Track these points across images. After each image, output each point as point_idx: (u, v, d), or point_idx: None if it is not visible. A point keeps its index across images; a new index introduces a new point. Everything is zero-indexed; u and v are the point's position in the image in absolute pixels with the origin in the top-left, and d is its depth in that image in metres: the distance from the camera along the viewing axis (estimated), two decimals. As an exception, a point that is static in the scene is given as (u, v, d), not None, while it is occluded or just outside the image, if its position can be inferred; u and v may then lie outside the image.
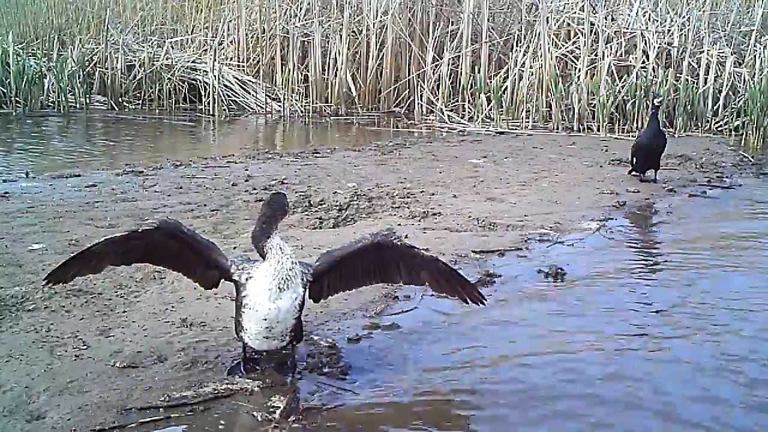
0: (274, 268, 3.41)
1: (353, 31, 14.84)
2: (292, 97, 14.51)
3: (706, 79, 13.26)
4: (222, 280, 3.71)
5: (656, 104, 8.87)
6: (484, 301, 3.84)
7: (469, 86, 13.97)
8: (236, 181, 7.89)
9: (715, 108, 13.14)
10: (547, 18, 13.76)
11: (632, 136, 11.37)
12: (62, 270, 3.53)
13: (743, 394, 3.68)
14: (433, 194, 7.68)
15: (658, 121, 8.88)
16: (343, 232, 6.13)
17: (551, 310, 4.77)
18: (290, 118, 14.20)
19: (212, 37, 15.25)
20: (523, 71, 13.56)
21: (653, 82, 12.97)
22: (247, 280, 3.48)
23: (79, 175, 8.05)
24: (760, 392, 3.70)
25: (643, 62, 13.50)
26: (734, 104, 13.21)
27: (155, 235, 3.52)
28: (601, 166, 9.70)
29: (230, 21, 15.37)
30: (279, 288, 3.41)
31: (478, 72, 13.82)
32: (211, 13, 15.89)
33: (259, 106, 14.53)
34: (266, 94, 14.65)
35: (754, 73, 13.11)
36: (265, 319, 3.46)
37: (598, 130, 12.71)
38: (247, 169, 8.60)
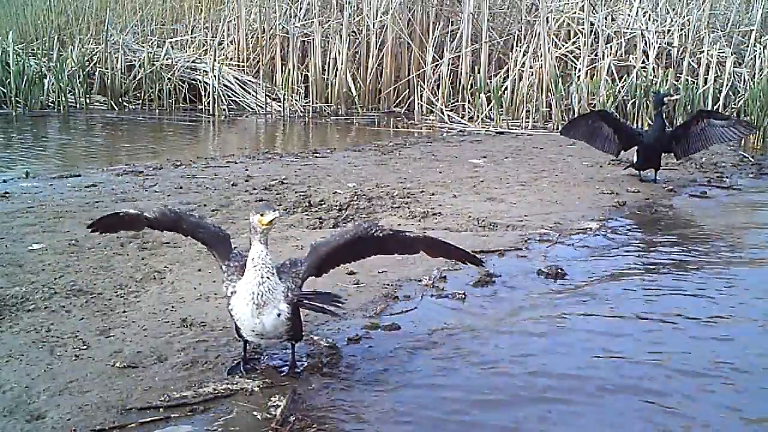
0: (249, 285, 3.40)
1: (353, 31, 14.84)
2: (292, 97, 14.51)
3: (706, 79, 13.26)
4: None
5: (664, 101, 8.49)
6: (481, 261, 4.07)
7: (469, 86, 13.98)
8: (236, 181, 7.89)
9: (715, 108, 13.13)
10: (547, 18, 13.76)
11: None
12: (105, 222, 3.99)
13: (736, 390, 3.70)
14: (433, 194, 7.68)
15: (663, 120, 8.60)
16: (343, 232, 6.12)
17: (551, 308, 4.77)
18: (290, 118, 14.20)
19: (212, 37, 15.26)
20: (523, 71, 13.56)
21: (653, 82, 12.98)
22: (232, 293, 3.50)
23: (79, 175, 8.05)
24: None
25: (643, 62, 13.51)
26: (734, 104, 13.21)
27: (155, 222, 3.70)
28: (601, 166, 9.70)
29: (230, 21, 15.38)
30: (256, 305, 3.42)
31: (478, 72, 13.82)
32: (211, 13, 15.90)
33: (259, 106, 14.53)
34: (266, 94, 14.65)
35: (754, 73, 13.12)
36: (253, 330, 3.51)
37: (599, 130, 12.69)
38: (247, 169, 8.60)
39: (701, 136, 8.36)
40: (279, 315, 3.46)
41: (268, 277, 3.40)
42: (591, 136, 8.64)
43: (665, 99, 8.49)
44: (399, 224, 6.33)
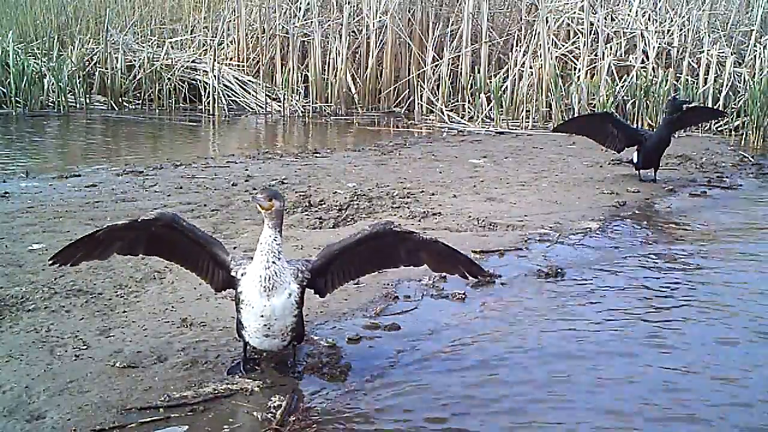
0: (257, 266, 3.44)
1: (353, 31, 14.84)
2: (292, 97, 14.51)
3: (706, 79, 13.26)
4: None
5: (682, 108, 8.50)
6: (483, 272, 3.82)
7: (469, 86, 13.98)
8: (236, 181, 7.89)
9: (715, 108, 13.13)
10: (547, 18, 13.76)
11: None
12: (68, 252, 3.59)
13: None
14: (433, 194, 7.68)
15: (672, 125, 8.59)
16: (343, 232, 6.13)
17: (551, 308, 4.77)
18: (290, 118, 14.20)
19: (212, 37, 15.26)
20: (523, 71, 13.56)
21: (653, 82, 12.97)
22: (242, 275, 3.51)
23: (79, 175, 8.06)
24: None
25: (643, 62, 13.51)
26: (734, 104, 13.20)
27: (154, 225, 3.61)
28: (601, 166, 9.70)
29: (230, 21, 15.37)
30: (265, 287, 3.43)
31: (478, 72, 13.82)
32: (211, 13, 15.90)
33: (259, 106, 14.53)
34: (266, 94, 14.65)
35: (754, 73, 13.10)
36: (262, 316, 3.48)
37: (599, 130, 12.69)
38: (247, 169, 8.60)
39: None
40: (290, 295, 3.48)
41: (274, 262, 3.43)
42: (594, 132, 8.83)
43: (684, 107, 8.53)
44: (399, 224, 6.32)
